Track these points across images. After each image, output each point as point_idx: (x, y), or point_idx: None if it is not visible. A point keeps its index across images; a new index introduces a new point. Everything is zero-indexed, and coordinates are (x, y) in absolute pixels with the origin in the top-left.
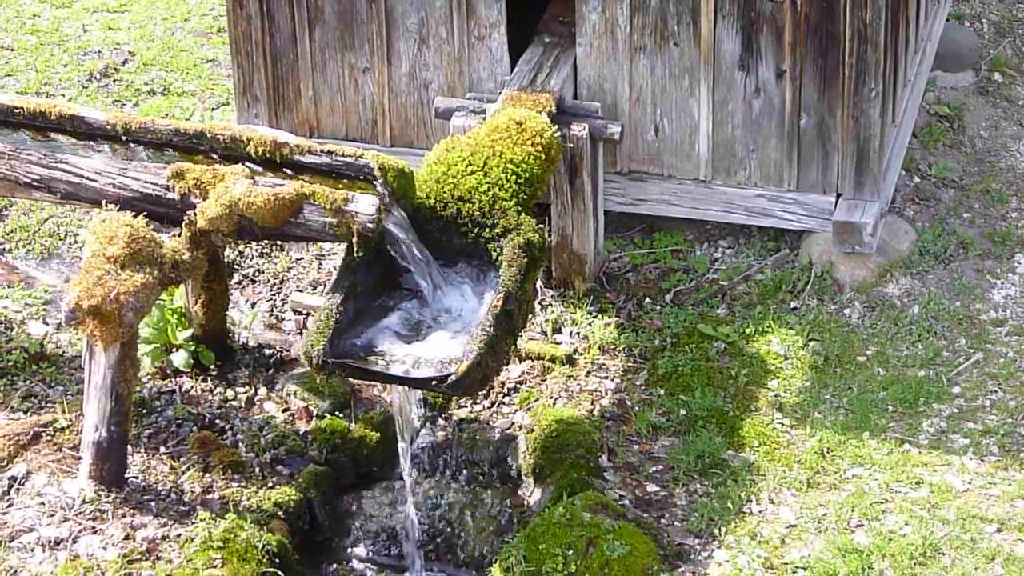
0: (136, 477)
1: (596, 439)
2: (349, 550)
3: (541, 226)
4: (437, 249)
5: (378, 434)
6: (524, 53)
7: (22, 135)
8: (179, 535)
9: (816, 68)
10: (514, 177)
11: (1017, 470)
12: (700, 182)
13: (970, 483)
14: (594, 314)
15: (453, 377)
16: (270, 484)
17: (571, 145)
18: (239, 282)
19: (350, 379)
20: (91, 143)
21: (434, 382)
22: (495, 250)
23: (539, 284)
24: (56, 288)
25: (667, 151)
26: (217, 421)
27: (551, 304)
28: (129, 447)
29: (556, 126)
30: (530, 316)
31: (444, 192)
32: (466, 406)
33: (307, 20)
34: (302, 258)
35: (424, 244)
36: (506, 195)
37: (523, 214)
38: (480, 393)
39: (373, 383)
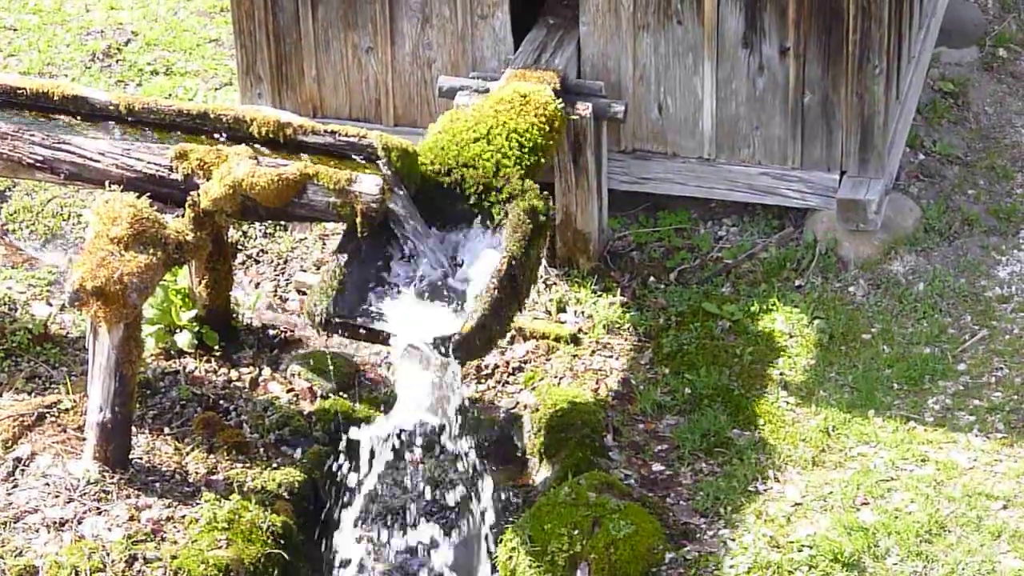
0: (140, 458)
1: (601, 418)
2: (354, 530)
3: (547, 195)
4: (441, 214)
5: (384, 414)
6: (528, 34)
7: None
8: (184, 516)
9: (820, 45)
10: (518, 146)
11: (1023, 447)
12: (704, 160)
13: (976, 460)
14: (598, 293)
15: (457, 337)
16: (274, 465)
17: (575, 118)
18: (243, 262)
19: (352, 339)
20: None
21: (438, 343)
22: (499, 214)
23: (543, 263)
24: (60, 269)
25: (671, 129)
26: (221, 402)
27: (555, 283)
28: (133, 428)
29: (560, 101)
30: (533, 287)
31: (448, 158)
32: (471, 385)
33: (311, 0)
34: (305, 238)
35: (428, 209)
36: (510, 162)
37: (527, 180)
38: (485, 362)
39: (376, 344)
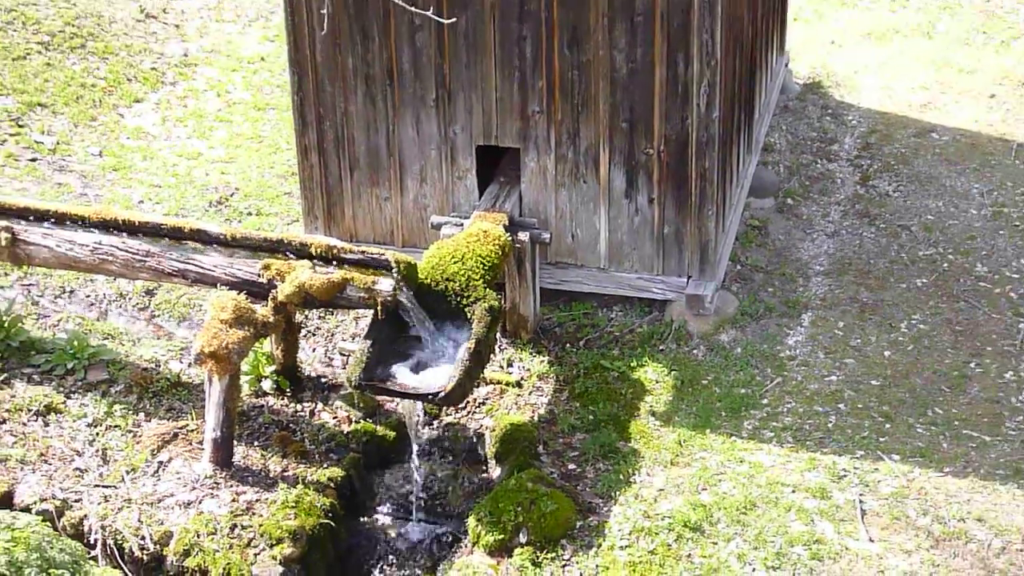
0: (239, 462)
1: (535, 435)
2: (376, 508)
3: (500, 295)
4: (431, 312)
5: (394, 433)
6: (488, 187)
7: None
8: (267, 499)
9: (674, 196)
10: (482, 265)
11: (804, 453)
12: (601, 269)
13: (775, 462)
14: (533, 354)
15: (442, 394)
16: (325, 466)
17: (519, 246)
18: (304, 335)
19: (375, 395)
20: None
21: (430, 397)
22: (470, 312)
23: (498, 335)
24: (188, 340)
25: (580, 249)
26: (291, 425)
27: (506, 347)
28: (234, 442)
29: (508, 234)
30: (492, 355)
31: (436, 275)
32: (451, 414)
33: (349, 167)
34: (345, 319)
35: (424, 307)
36: (476, 277)
37: (488, 289)
38: (460, 405)
39: (391, 398)
